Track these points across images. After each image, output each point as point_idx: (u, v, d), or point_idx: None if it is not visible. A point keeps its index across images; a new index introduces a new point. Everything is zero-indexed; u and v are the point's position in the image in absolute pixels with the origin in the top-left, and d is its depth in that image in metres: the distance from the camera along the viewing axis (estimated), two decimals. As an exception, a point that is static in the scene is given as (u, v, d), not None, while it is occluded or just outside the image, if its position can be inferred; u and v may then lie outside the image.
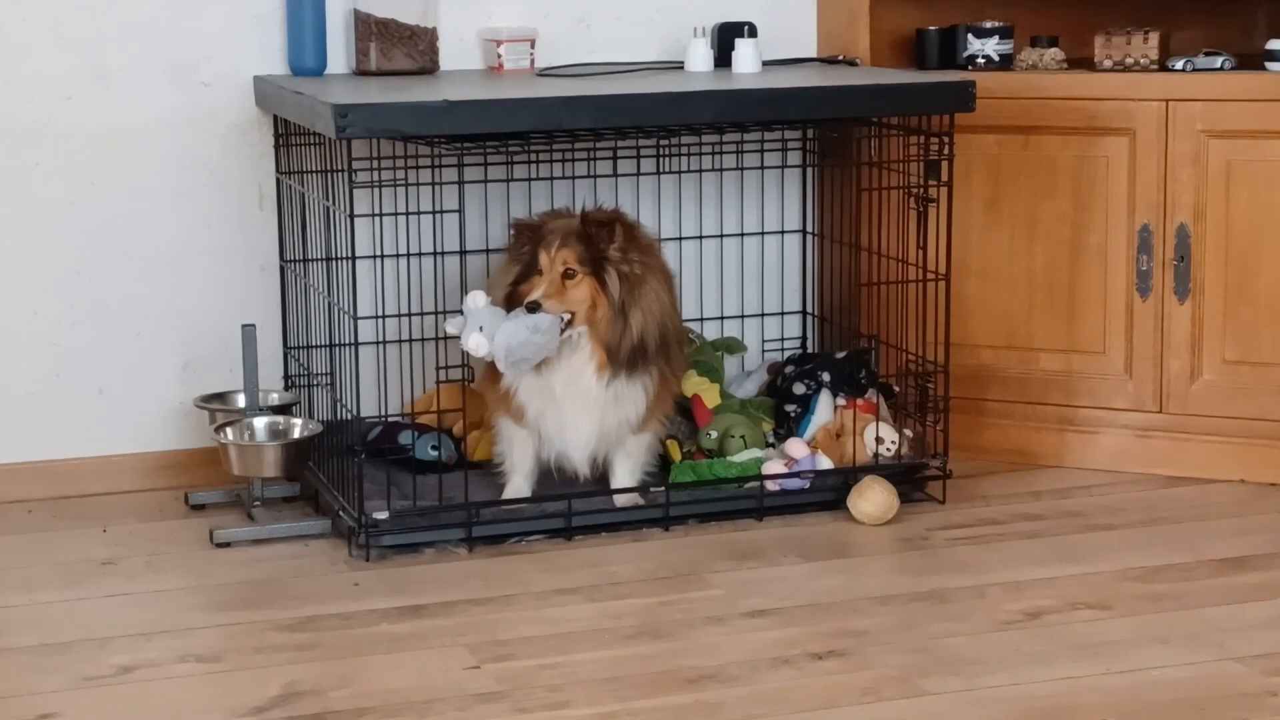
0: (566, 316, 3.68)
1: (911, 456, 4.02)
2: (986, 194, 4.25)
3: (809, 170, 4.46)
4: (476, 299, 3.68)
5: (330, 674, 3.15)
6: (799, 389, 4.14)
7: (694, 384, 4.07)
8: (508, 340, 3.64)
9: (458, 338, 3.69)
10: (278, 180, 4.16)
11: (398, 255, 4.01)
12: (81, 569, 3.67)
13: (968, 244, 4.22)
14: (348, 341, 3.71)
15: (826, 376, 4.13)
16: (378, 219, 3.90)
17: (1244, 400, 4.11)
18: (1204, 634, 3.29)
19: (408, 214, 3.83)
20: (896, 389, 4.13)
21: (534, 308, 3.65)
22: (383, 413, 4.11)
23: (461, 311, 3.70)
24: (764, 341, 4.50)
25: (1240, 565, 3.65)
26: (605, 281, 3.71)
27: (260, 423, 3.96)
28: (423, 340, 3.97)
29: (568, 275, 3.69)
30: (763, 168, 4.32)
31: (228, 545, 3.78)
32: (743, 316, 4.47)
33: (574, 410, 3.76)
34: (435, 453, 3.94)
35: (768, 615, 3.40)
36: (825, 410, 4.06)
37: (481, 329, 3.65)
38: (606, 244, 3.72)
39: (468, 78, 4.13)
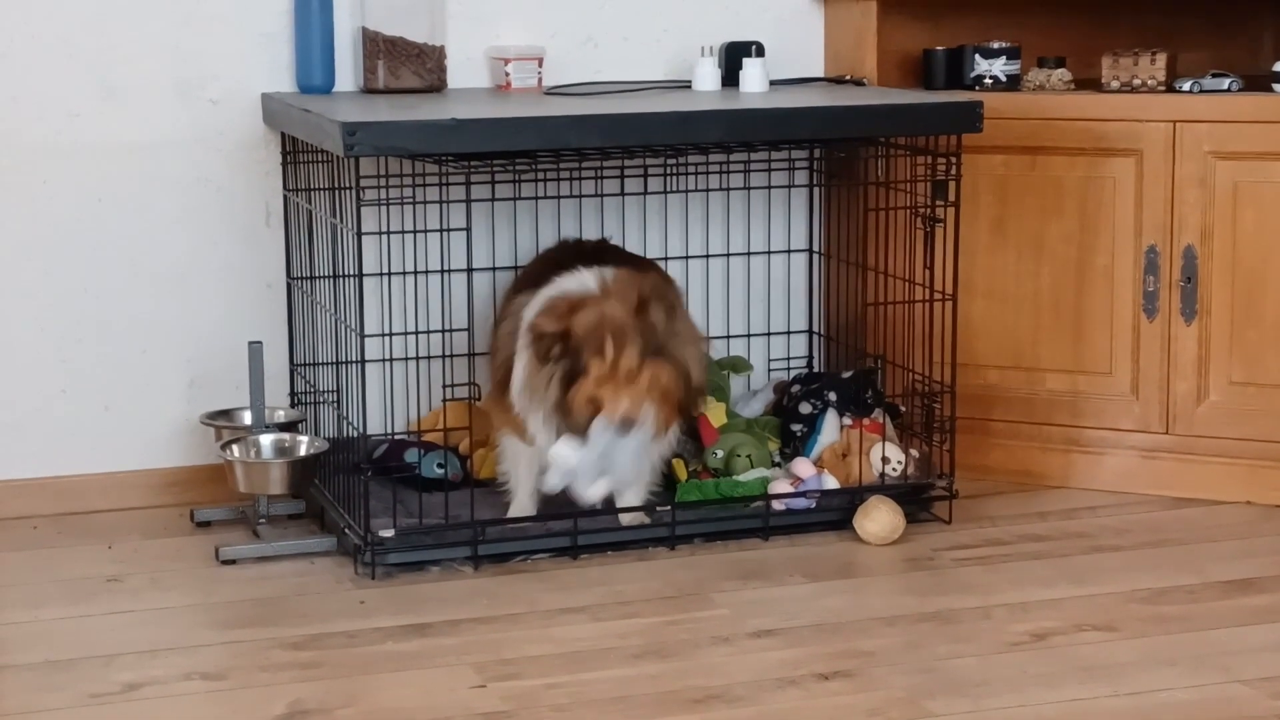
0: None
1: (917, 477, 4.02)
2: (993, 214, 4.25)
3: (816, 190, 4.46)
4: (566, 455, 3.50)
5: (335, 693, 3.15)
6: (805, 408, 4.14)
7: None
8: (636, 464, 3.56)
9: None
10: (285, 198, 4.16)
11: (404, 273, 4.01)
12: (86, 586, 3.67)
13: (974, 264, 4.22)
14: (354, 359, 3.71)
15: (833, 396, 4.13)
16: (385, 237, 3.90)
17: (1251, 422, 4.11)
18: (1210, 656, 3.29)
19: (414, 232, 3.83)
20: (903, 409, 4.13)
21: (630, 425, 3.49)
22: (389, 430, 4.12)
23: (554, 465, 3.55)
24: (770, 361, 4.50)
25: (1247, 587, 3.64)
26: (671, 355, 3.57)
27: (266, 440, 3.96)
28: (429, 358, 3.98)
29: (632, 373, 3.54)
30: (769, 187, 4.33)
31: (233, 563, 3.78)
32: (749, 335, 4.47)
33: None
34: (441, 471, 3.94)
35: (773, 635, 3.40)
36: (831, 430, 4.06)
37: (605, 474, 3.52)
38: (657, 320, 3.56)
39: (475, 96, 4.13)
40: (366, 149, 3.52)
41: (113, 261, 4.10)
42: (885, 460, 3.98)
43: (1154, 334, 4.15)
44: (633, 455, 3.55)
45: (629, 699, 3.12)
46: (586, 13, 4.34)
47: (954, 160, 3.91)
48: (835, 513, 3.95)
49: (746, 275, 4.47)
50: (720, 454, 4.03)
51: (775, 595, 3.61)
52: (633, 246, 4.26)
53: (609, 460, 3.54)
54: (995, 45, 4.31)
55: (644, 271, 3.82)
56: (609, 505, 3.85)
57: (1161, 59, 4.16)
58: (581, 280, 3.68)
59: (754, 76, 4.18)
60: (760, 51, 4.22)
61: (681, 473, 3.99)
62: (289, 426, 4.07)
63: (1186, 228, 4.10)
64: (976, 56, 4.31)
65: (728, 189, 4.28)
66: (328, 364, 3.97)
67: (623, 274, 3.68)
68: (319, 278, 4.01)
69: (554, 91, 4.17)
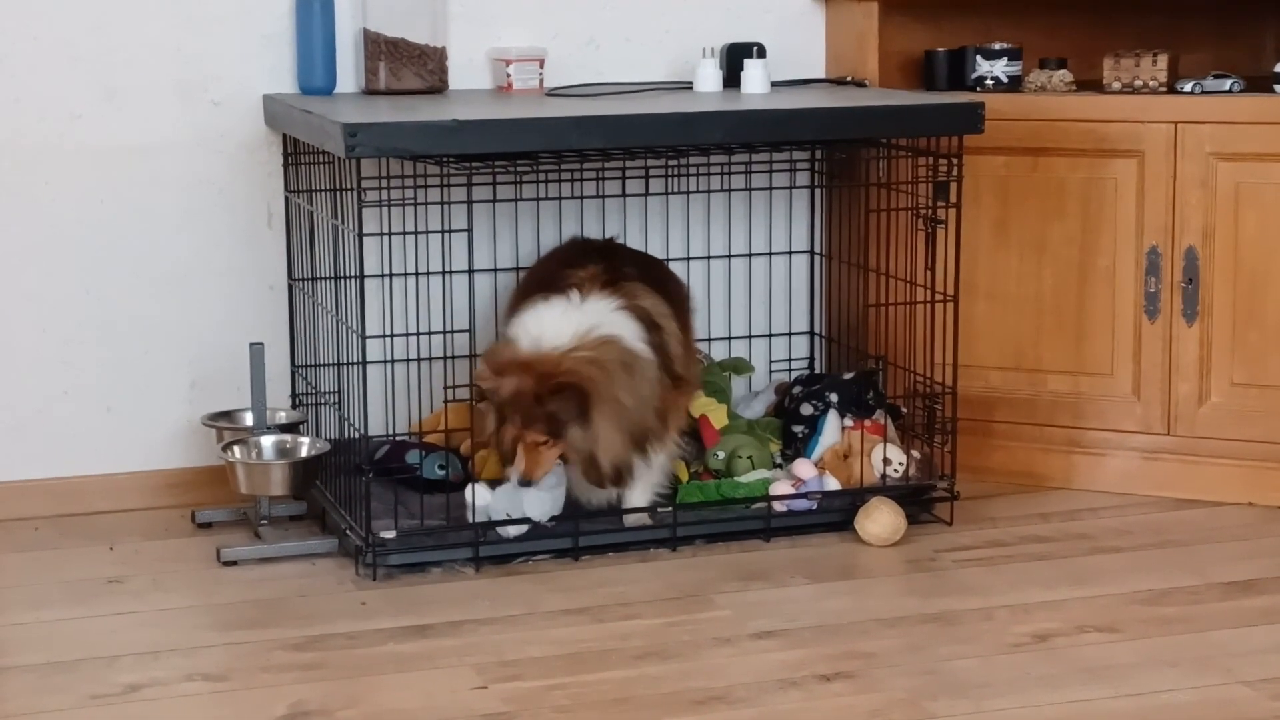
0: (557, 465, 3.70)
1: (919, 478, 4.02)
2: (995, 215, 4.25)
3: (817, 191, 4.46)
4: (482, 494, 3.72)
5: (337, 694, 3.15)
6: (806, 410, 4.14)
7: (701, 404, 4.07)
8: (542, 509, 3.71)
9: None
10: (286, 199, 4.16)
11: (406, 274, 4.01)
12: (88, 587, 3.67)
13: (976, 265, 4.22)
14: (356, 360, 3.71)
15: (834, 397, 4.13)
16: (386, 238, 3.90)
17: (1252, 423, 4.10)
18: (1212, 658, 3.29)
19: (416, 233, 3.84)
20: (904, 410, 4.13)
21: (528, 483, 3.66)
22: (390, 432, 4.12)
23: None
24: (771, 362, 4.50)
25: (1249, 589, 3.64)
26: (572, 444, 3.65)
27: (268, 441, 3.96)
28: (430, 359, 3.98)
29: (539, 444, 3.65)
30: (771, 188, 4.32)
31: (234, 564, 3.78)
32: (750, 337, 4.47)
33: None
34: (443, 472, 3.94)
35: (775, 636, 3.40)
36: (833, 431, 4.06)
37: (508, 514, 3.71)
38: (568, 415, 3.63)
39: (477, 97, 4.13)
40: (368, 150, 3.52)
41: (114, 263, 4.11)
42: (887, 461, 3.98)
43: (1155, 335, 4.15)
44: (534, 503, 3.70)
45: (630, 700, 3.12)
46: (588, 14, 4.34)
47: (955, 161, 3.91)
48: (837, 514, 3.95)
49: (748, 276, 4.47)
50: (722, 455, 4.03)
51: (777, 596, 3.61)
52: (634, 248, 4.26)
53: (514, 507, 3.71)
54: (997, 46, 4.31)
55: (645, 293, 3.83)
56: (612, 506, 3.85)
57: (1163, 60, 4.16)
58: (557, 321, 3.71)
59: (755, 78, 4.18)
60: (762, 53, 4.22)
61: (683, 474, 3.99)
62: (290, 428, 4.07)
63: (1188, 229, 4.10)
64: (978, 58, 4.31)
65: (729, 190, 4.28)
66: (329, 365, 3.97)
67: (602, 335, 3.69)
68: (320, 279, 4.01)
69: (555, 93, 4.17)
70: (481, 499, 3.72)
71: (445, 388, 3.77)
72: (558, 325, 3.70)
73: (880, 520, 3.87)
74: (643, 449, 3.75)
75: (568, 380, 3.62)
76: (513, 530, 3.73)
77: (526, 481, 3.66)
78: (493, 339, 4.09)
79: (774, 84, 4.23)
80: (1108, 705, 3.10)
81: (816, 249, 4.50)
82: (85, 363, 4.12)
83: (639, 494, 3.85)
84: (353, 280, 3.69)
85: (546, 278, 3.86)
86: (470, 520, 3.72)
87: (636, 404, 3.72)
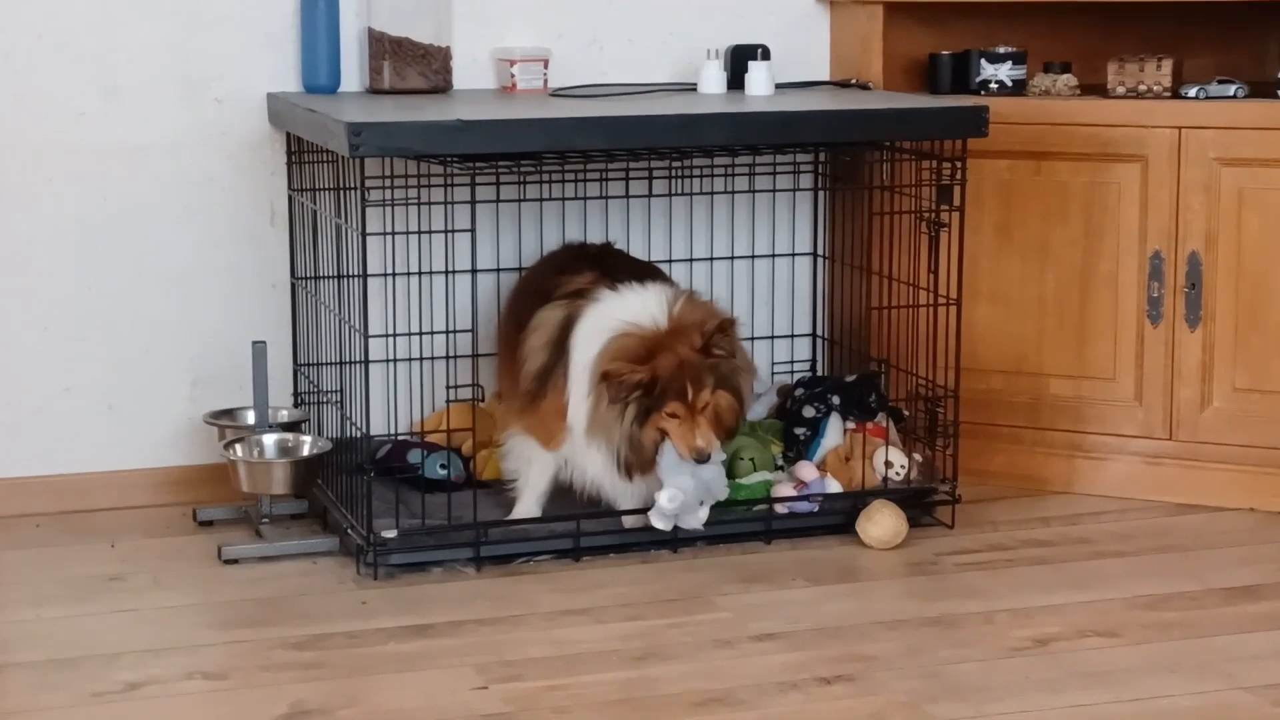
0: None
1: (920, 481, 4.01)
2: (998, 219, 4.25)
3: (820, 193, 4.46)
4: (676, 497, 3.66)
5: (337, 693, 3.15)
6: (808, 412, 4.14)
7: (703, 406, 4.07)
8: (723, 481, 3.72)
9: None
10: (289, 198, 4.16)
11: (409, 273, 4.01)
12: (89, 584, 3.67)
13: (979, 269, 4.22)
14: (358, 359, 3.71)
15: (836, 400, 4.13)
16: (389, 237, 3.90)
17: (1254, 428, 4.10)
18: (1213, 663, 3.29)
19: (419, 233, 3.83)
20: (906, 413, 4.12)
21: (706, 459, 3.63)
22: (392, 431, 4.12)
23: (662, 513, 3.70)
24: (774, 364, 4.49)
25: (1250, 594, 3.64)
26: (739, 392, 3.69)
27: (269, 440, 3.96)
28: (433, 359, 3.98)
29: (706, 407, 3.65)
30: (774, 190, 4.33)
31: (235, 562, 3.78)
32: (753, 339, 4.47)
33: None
34: (444, 472, 3.94)
35: (776, 639, 3.39)
36: (835, 434, 4.06)
37: (703, 503, 3.71)
38: (731, 356, 3.67)
39: (481, 97, 4.14)
40: (372, 149, 3.52)
41: (117, 261, 4.11)
42: (888, 464, 3.97)
43: (1158, 340, 4.15)
44: (718, 478, 3.70)
45: (631, 701, 3.12)
46: (592, 15, 4.34)
47: (959, 165, 3.91)
48: (838, 516, 3.94)
49: (751, 278, 4.47)
50: (723, 457, 4.02)
51: (777, 599, 3.61)
52: (637, 249, 4.27)
53: (703, 491, 3.69)
54: (1001, 50, 4.31)
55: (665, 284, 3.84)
56: (610, 507, 3.85)
57: (1167, 65, 4.16)
58: (645, 304, 3.69)
59: (759, 79, 4.18)
60: (766, 54, 4.22)
61: (684, 475, 3.99)
62: (292, 426, 4.07)
63: (1191, 234, 4.10)
64: (982, 61, 4.31)
65: (732, 192, 4.28)
66: (331, 364, 3.97)
67: (685, 298, 3.73)
68: (323, 278, 4.01)
69: (559, 93, 4.17)
70: (672, 501, 3.65)
71: (447, 387, 3.77)
72: (645, 308, 3.68)
73: (881, 523, 3.87)
74: None
75: (719, 319, 3.65)
76: (703, 514, 3.72)
77: (707, 457, 3.62)
78: (494, 339, 4.10)
79: (778, 86, 4.23)
80: (1108, 710, 3.10)
81: (819, 251, 4.49)
82: (87, 360, 4.12)
83: (636, 497, 3.84)
84: (355, 279, 3.69)
85: (543, 284, 3.85)
86: (662, 527, 3.70)
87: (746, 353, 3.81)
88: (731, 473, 3.99)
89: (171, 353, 4.16)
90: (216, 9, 4.10)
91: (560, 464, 3.81)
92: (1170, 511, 4.14)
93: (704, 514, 3.73)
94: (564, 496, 3.87)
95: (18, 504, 4.08)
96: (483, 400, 3.92)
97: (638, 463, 3.67)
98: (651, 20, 4.38)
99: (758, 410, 4.30)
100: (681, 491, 3.67)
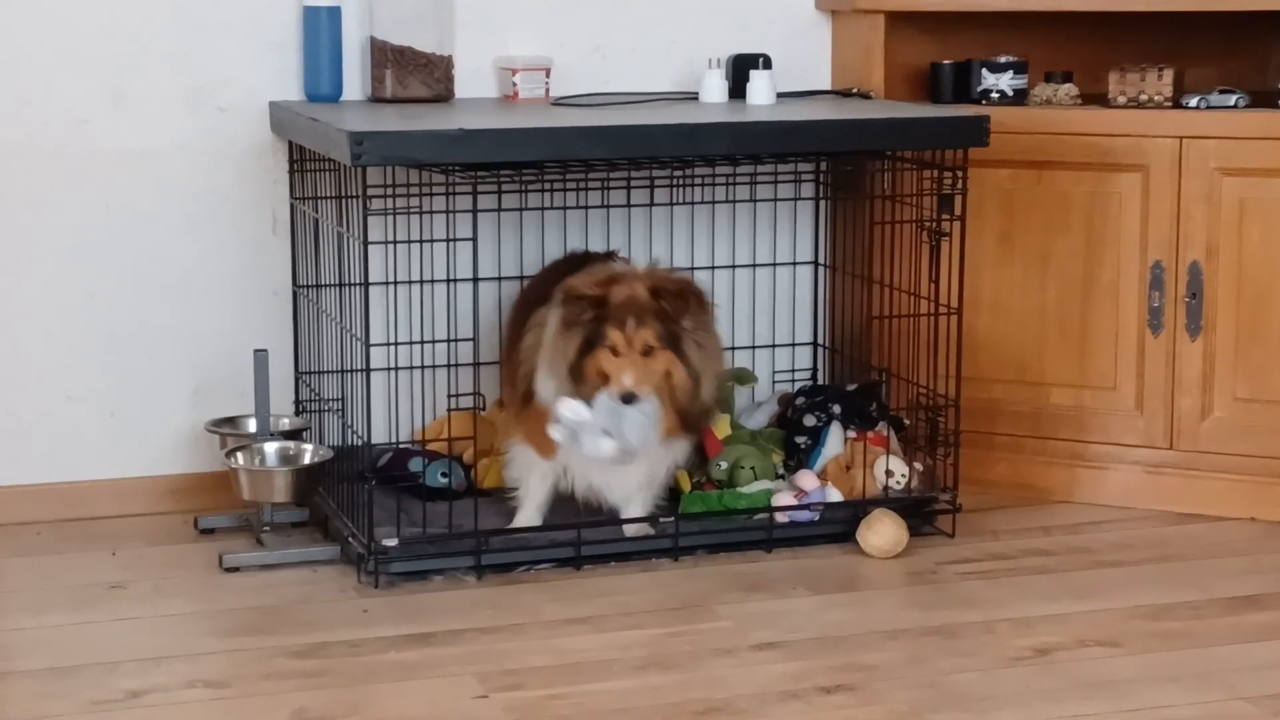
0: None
1: (921, 490, 4.02)
2: (999, 229, 4.25)
3: (822, 202, 4.46)
4: (577, 409, 3.58)
5: (338, 701, 3.15)
6: (809, 421, 4.14)
7: (705, 415, 4.07)
8: (640, 434, 3.60)
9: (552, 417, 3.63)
10: (292, 206, 4.17)
11: (410, 282, 4.02)
12: (90, 592, 3.67)
13: (980, 278, 4.23)
14: (360, 367, 3.71)
15: (837, 409, 4.13)
16: (391, 245, 3.90)
17: (1255, 438, 4.11)
18: (1214, 673, 3.29)
19: (421, 241, 3.84)
20: (907, 422, 4.13)
21: (630, 399, 3.59)
22: (393, 439, 4.12)
23: (558, 421, 3.59)
24: (775, 373, 4.50)
25: (1251, 604, 3.64)
26: (685, 355, 3.68)
27: (271, 448, 3.96)
28: (434, 367, 3.98)
29: (646, 353, 3.66)
30: (776, 199, 4.33)
31: (237, 570, 3.78)
32: (754, 347, 4.48)
33: (633, 465, 3.73)
34: (445, 480, 3.93)
35: (776, 648, 3.40)
36: (835, 442, 4.06)
37: (607, 433, 3.58)
38: (681, 315, 3.69)
39: (483, 106, 4.14)
40: (374, 158, 3.53)
41: (119, 268, 4.11)
42: (889, 473, 3.98)
43: (1159, 349, 4.15)
44: (634, 425, 3.59)
45: (631, 710, 3.12)
46: (594, 24, 4.35)
47: (960, 174, 3.91)
48: (839, 525, 3.95)
49: (752, 287, 4.47)
50: (724, 466, 4.03)
51: (778, 608, 3.61)
52: (639, 258, 4.26)
53: (613, 426, 3.59)
54: (1002, 59, 4.31)
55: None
56: (612, 516, 3.86)
57: (1168, 75, 4.16)
58: (630, 265, 3.81)
59: (761, 89, 4.19)
60: (767, 64, 4.22)
61: (685, 484, 3.99)
62: (293, 434, 4.07)
63: (1192, 243, 4.10)
64: (983, 71, 4.32)
65: (734, 201, 4.28)
66: (333, 372, 3.97)
67: (672, 270, 3.81)
68: (325, 286, 4.01)
69: (561, 102, 4.17)
70: (574, 413, 3.57)
71: (449, 396, 3.77)
72: (632, 263, 3.80)
73: (882, 532, 3.87)
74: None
75: (688, 283, 3.68)
76: (606, 447, 3.58)
77: (629, 397, 3.58)
78: (495, 348, 4.10)
79: (779, 95, 4.24)
80: (1109, 720, 3.11)
81: (821, 260, 4.50)
82: (89, 368, 4.12)
83: (637, 505, 3.85)
84: (357, 287, 3.69)
85: (545, 291, 3.85)
86: (556, 438, 3.60)
87: (719, 344, 3.80)
88: (733, 481, 4.00)
89: (173, 360, 4.16)
90: (220, 18, 4.10)
91: (560, 473, 3.82)
92: (1171, 521, 4.14)
93: (606, 448, 3.58)
94: (566, 505, 3.88)
95: (19, 511, 4.08)
96: (484, 408, 3.92)
97: (580, 397, 3.62)
98: (653, 29, 4.38)
99: (759, 419, 4.30)
100: (587, 413, 3.56)
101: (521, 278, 4.21)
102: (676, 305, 3.67)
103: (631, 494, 3.82)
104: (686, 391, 3.69)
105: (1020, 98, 4.31)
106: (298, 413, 4.20)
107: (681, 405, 3.70)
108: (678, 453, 3.83)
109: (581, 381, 3.64)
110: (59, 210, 4.07)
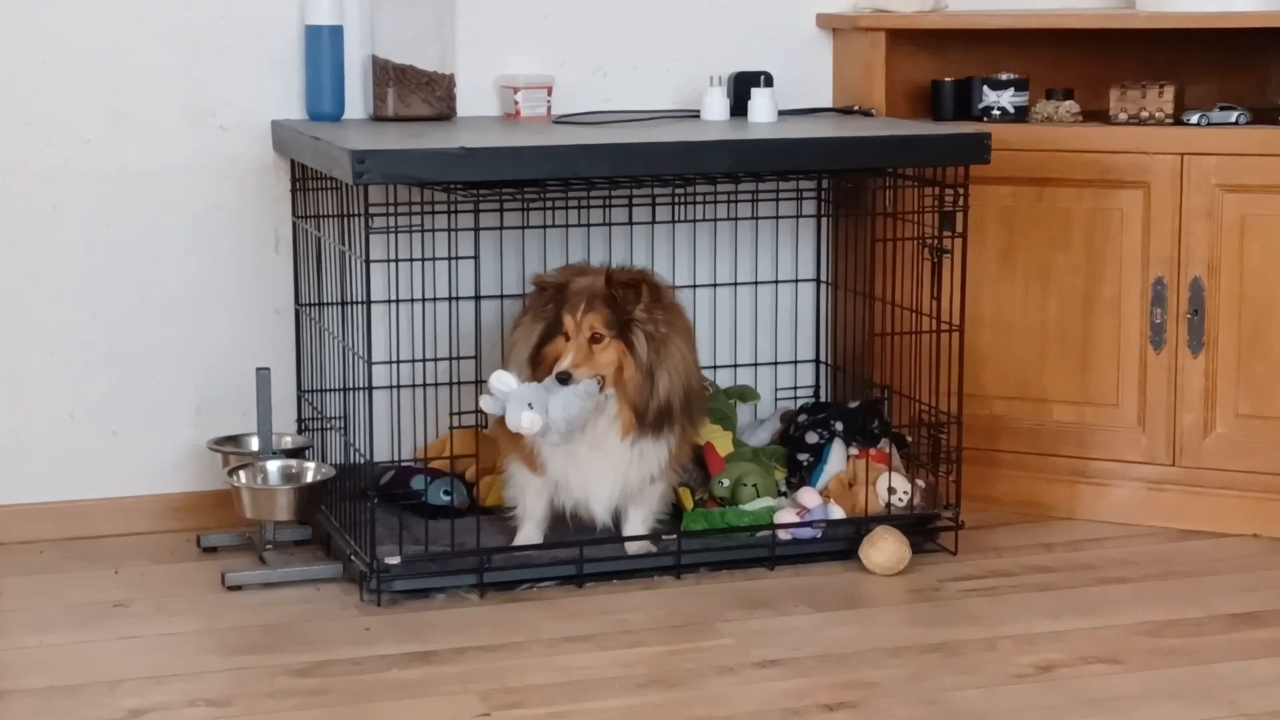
0: (598, 380, 3.68)
1: (924, 507, 4.02)
2: (1000, 245, 4.25)
3: (824, 220, 4.47)
4: (506, 380, 3.64)
5: (340, 719, 3.15)
6: (812, 438, 4.14)
7: (706, 432, 4.07)
8: (566, 412, 3.62)
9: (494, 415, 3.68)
10: (294, 224, 4.17)
11: (412, 300, 4.02)
12: (93, 611, 3.67)
13: (981, 295, 4.23)
14: (362, 386, 3.71)
15: (839, 426, 4.13)
16: (393, 264, 3.90)
17: (1257, 454, 4.10)
18: (1216, 690, 3.28)
19: (423, 260, 3.84)
20: (909, 439, 4.13)
21: (565, 379, 3.63)
22: (396, 457, 4.11)
23: (489, 393, 3.65)
24: (777, 390, 4.50)
25: (1253, 620, 3.64)
26: (633, 344, 3.70)
27: (273, 466, 3.96)
28: (436, 385, 3.98)
29: (594, 339, 3.68)
30: (777, 217, 4.33)
31: (239, 588, 3.78)
32: (756, 364, 4.48)
33: (599, 469, 3.75)
34: (448, 498, 3.94)
35: (778, 665, 3.39)
36: (838, 460, 4.06)
37: (531, 406, 3.61)
38: (633, 305, 3.71)
39: (484, 124, 4.15)
40: (376, 177, 3.53)
41: (121, 287, 4.11)
42: (891, 490, 3.98)
43: (1161, 366, 4.15)
44: (560, 403, 3.63)
45: (633, 728, 3.12)
46: (596, 42, 4.36)
47: (962, 191, 3.92)
48: (841, 543, 3.95)
49: (754, 304, 4.48)
50: (726, 483, 4.03)
51: (780, 625, 3.60)
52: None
53: (539, 401, 3.63)
54: (1003, 77, 4.32)
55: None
56: (614, 534, 3.86)
57: (1169, 91, 4.17)
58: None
59: (762, 106, 4.19)
60: (769, 81, 4.23)
61: (687, 501, 3.99)
62: (296, 453, 4.07)
63: (1193, 260, 4.11)
64: (984, 88, 4.32)
65: (736, 218, 4.28)
66: (335, 390, 3.97)
67: (630, 268, 3.87)
68: (327, 304, 4.02)
69: (563, 120, 4.18)
70: (504, 383, 3.63)
71: (451, 414, 3.77)
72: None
73: (885, 549, 3.87)
74: (686, 410, 3.78)
75: (644, 274, 3.75)
76: (525, 421, 3.60)
77: (565, 377, 3.62)
78: (497, 366, 4.10)
79: (781, 113, 4.24)
80: (1111, 737, 3.10)
81: (823, 277, 4.50)
82: (91, 386, 4.12)
83: (638, 521, 3.85)
84: (359, 305, 3.69)
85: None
86: (486, 409, 3.66)
87: (691, 354, 3.82)
88: (735, 499, 4.00)
89: (175, 379, 4.17)
90: (221, 37, 4.11)
91: (553, 489, 3.82)
92: (1173, 537, 4.14)
93: (526, 420, 3.59)
94: (562, 524, 3.87)
95: (21, 530, 4.09)
96: (486, 426, 3.92)
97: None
98: (655, 47, 4.39)
99: (761, 436, 4.31)
100: (515, 384, 3.63)
101: (523, 296, 4.21)
102: (626, 294, 3.71)
103: (610, 501, 3.80)
104: (636, 384, 3.71)
105: (1021, 115, 4.32)
106: (300, 431, 4.21)
107: (632, 399, 3.71)
108: (650, 457, 3.78)
109: (539, 368, 3.70)
110: (61, 229, 4.07)
